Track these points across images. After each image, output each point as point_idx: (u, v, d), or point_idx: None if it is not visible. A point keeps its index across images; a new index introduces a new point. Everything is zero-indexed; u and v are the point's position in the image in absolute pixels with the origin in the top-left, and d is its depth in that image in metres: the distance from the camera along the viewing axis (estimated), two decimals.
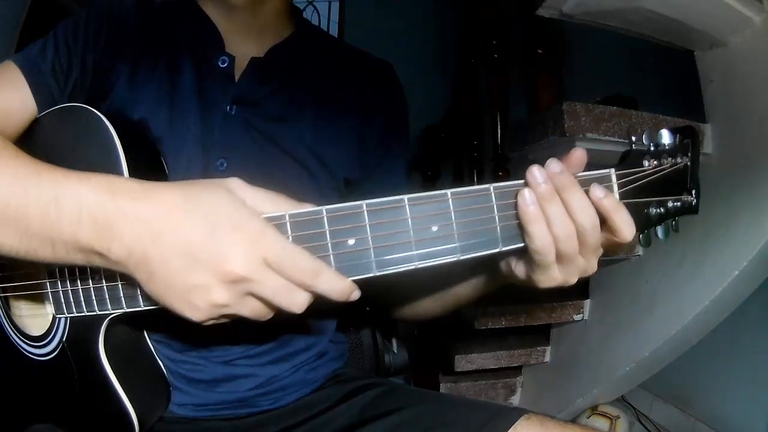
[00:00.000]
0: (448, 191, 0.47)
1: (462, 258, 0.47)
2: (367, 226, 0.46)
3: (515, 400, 1.72)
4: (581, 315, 1.55)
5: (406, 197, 0.46)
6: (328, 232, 0.46)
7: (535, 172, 0.46)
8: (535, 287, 0.52)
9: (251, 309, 0.45)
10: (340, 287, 0.44)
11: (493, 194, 0.47)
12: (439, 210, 0.47)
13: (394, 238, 0.46)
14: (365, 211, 0.46)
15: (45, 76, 0.66)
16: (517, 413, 0.61)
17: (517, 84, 2.23)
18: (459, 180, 2.50)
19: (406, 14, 3.11)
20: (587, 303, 1.55)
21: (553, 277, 0.50)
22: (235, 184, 0.46)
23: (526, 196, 0.46)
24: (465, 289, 0.67)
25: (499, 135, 1.91)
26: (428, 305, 0.74)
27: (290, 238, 0.45)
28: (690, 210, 0.51)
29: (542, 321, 1.56)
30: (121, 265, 0.44)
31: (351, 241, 0.46)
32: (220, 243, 0.42)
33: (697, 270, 1.21)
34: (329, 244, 0.46)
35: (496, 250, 0.48)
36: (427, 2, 3.15)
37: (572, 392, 1.52)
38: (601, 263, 1.54)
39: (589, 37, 1.94)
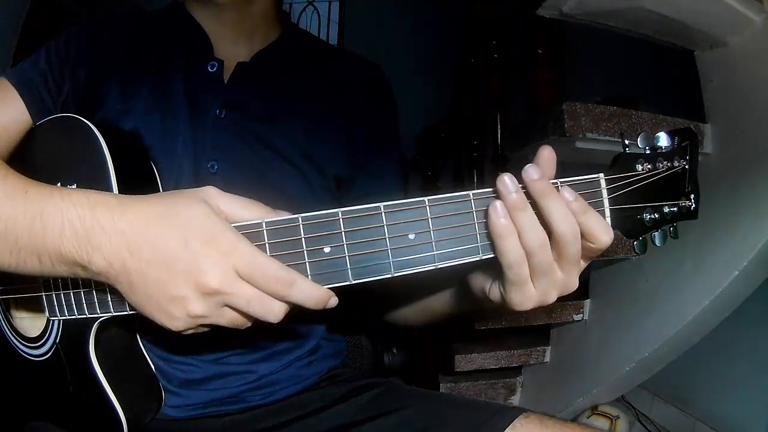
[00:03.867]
0: (426, 198, 0.46)
1: (440, 266, 0.46)
2: (343, 233, 0.46)
3: (515, 400, 1.72)
4: (581, 315, 1.55)
5: (382, 205, 0.46)
6: (303, 239, 0.46)
7: (506, 180, 0.44)
8: (511, 310, 0.50)
9: (228, 319, 0.46)
10: (316, 296, 0.45)
11: (472, 201, 0.46)
12: (417, 217, 0.46)
13: (370, 245, 0.46)
14: (341, 219, 0.46)
15: (38, 90, 0.68)
16: (516, 412, 0.61)
17: (517, 84, 2.24)
18: (459, 180, 2.50)
19: (406, 14, 3.11)
20: (587, 303, 1.55)
21: (528, 295, 0.47)
22: (211, 192, 0.47)
23: (498, 207, 0.44)
24: (440, 306, 0.67)
25: (499, 135, 1.91)
26: (408, 314, 0.74)
27: (267, 245, 0.46)
28: (689, 215, 0.49)
29: (542, 321, 1.56)
30: (102, 276, 0.46)
31: (327, 249, 0.46)
32: (194, 256, 0.43)
33: (697, 270, 1.21)
34: (305, 252, 0.46)
35: (476, 258, 0.47)
36: (427, 2, 3.15)
37: (572, 392, 1.52)
38: (601, 263, 1.52)
39: (589, 37, 1.94)
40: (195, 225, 0.44)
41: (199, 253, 0.43)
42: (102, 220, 0.44)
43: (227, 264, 0.43)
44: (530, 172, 0.44)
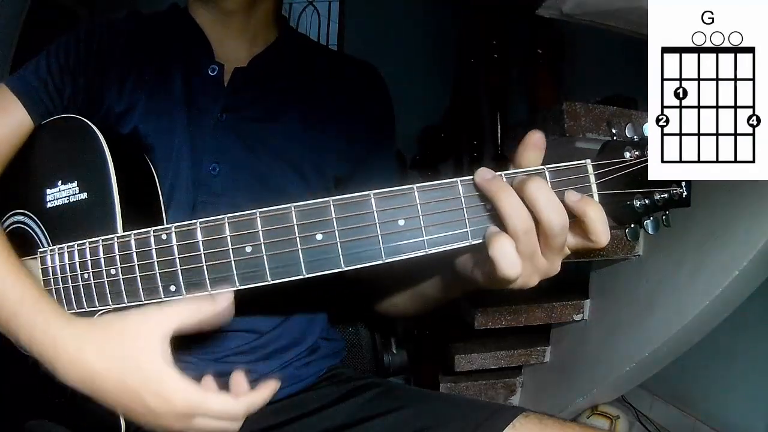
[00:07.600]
0: (414, 185, 0.47)
1: (430, 252, 0.47)
2: (334, 220, 0.47)
3: (515, 400, 1.72)
4: (581, 315, 1.55)
5: (372, 192, 0.47)
6: (296, 226, 0.47)
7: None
8: (493, 288, 0.51)
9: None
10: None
11: (460, 186, 0.47)
12: (406, 204, 0.47)
13: (360, 232, 0.47)
14: (332, 206, 0.47)
15: (40, 94, 0.68)
16: (515, 411, 0.61)
17: (517, 84, 2.24)
18: None
19: (406, 14, 3.11)
20: (587, 303, 1.55)
21: None
22: (164, 324, 0.52)
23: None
24: (431, 291, 0.67)
25: (499, 135, 1.92)
26: (400, 302, 0.74)
27: (260, 232, 0.48)
28: (681, 202, 0.48)
29: (542, 321, 1.56)
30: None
31: (319, 236, 0.47)
32: (154, 414, 0.50)
33: (697, 270, 1.21)
34: (297, 239, 0.47)
35: (466, 244, 0.47)
36: (427, 2, 3.15)
37: (572, 392, 1.52)
38: (601, 263, 1.51)
39: (589, 37, 1.94)
40: (150, 387, 0.50)
41: (158, 410, 0.50)
42: (62, 364, 0.51)
43: (178, 413, 0.50)
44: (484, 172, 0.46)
